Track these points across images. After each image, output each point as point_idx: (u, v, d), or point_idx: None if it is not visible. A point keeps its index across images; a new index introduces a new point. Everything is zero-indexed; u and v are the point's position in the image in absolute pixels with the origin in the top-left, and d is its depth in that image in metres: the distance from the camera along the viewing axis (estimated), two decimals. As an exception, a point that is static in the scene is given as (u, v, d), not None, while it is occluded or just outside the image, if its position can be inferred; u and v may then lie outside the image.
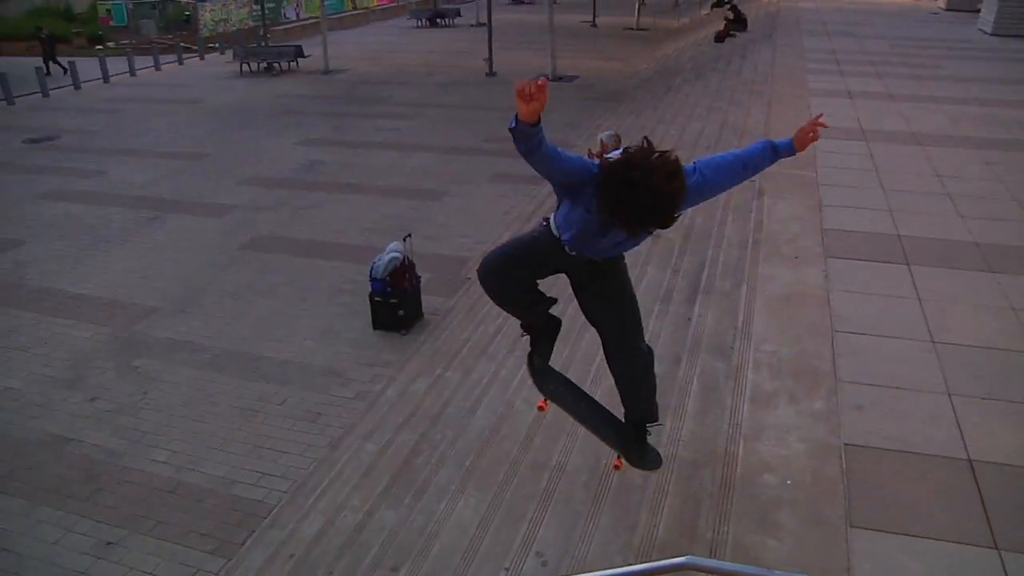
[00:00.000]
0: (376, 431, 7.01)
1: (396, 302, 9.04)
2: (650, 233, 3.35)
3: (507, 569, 4.72)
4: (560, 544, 4.83)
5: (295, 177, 14.89)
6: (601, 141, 10.51)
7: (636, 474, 5.17)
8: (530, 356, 4.18)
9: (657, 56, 25.28)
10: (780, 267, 7.40)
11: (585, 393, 4.42)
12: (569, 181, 3.42)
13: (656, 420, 4.26)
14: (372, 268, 9.26)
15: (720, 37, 23.52)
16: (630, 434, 4.30)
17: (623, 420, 4.32)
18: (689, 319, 7.08)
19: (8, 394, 8.51)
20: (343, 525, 5.76)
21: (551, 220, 3.69)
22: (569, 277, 3.87)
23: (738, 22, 24.19)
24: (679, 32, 30.31)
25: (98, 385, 8.60)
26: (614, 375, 4.06)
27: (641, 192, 3.07)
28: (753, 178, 8.60)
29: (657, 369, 5.98)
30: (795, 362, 5.95)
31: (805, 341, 6.16)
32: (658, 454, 4.43)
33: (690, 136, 13.17)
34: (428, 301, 9.55)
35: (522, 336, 4.17)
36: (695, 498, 4.89)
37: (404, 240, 9.58)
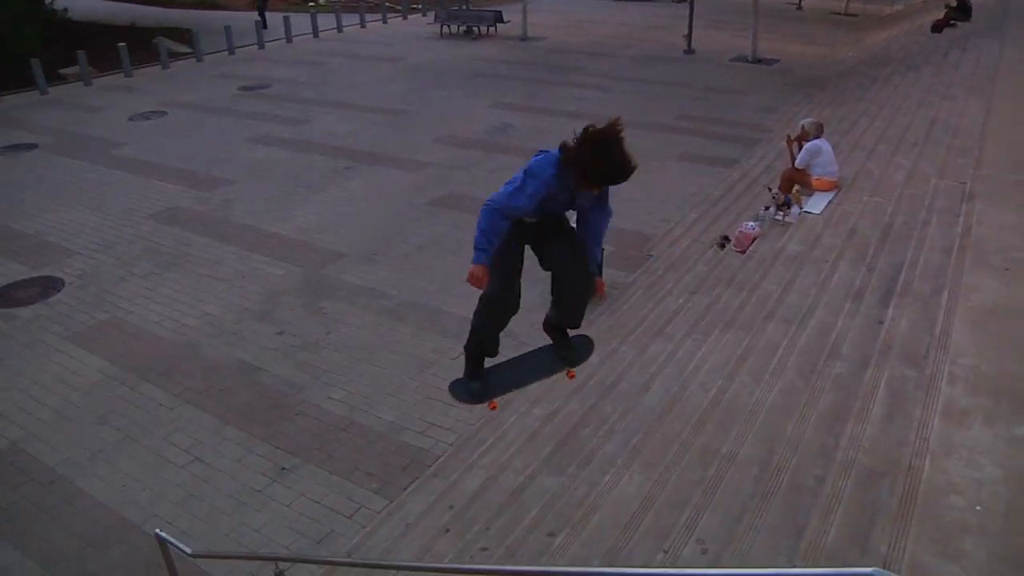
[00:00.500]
0: (545, 397, 6.97)
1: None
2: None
3: (666, 551, 4.61)
4: (723, 535, 4.67)
5: (487, 139, 14.99)
6: (802, 127, 10.09)
7: (809, 475, 4.92)
8: (465, 387, 4.61)
9: (865, 44, 23.85)
10: (987, 277, 6.83)
11: (516, 358, 4.72)
12: (536, 205, 4.01)
13: (578, 327, 4.51)
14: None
15: (938, 26, 21.85)
16: (561, 342, 4.59)
17: (551, 331, 4.62)
18: (881, 321, 6.65)
19: (208, 319, 9.05)
20: (504, 484, 5.78)
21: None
22: (528, 241, 4.29)
23: (961, 10, 22.36)
24: (891, 20, 28.46)
25: (287, 321, 8.97)
26: (561, 292, 4.35)
27: (615, 158, 3.79)
28: (965, 181, 7.92)
29: (841, 370, 5.72)
30: (997, 381, 5.49)
31: (1010, 360, 5.66)
32: (587, 339, 4.70)
33: (896, 130, 12.37)
34: (609, 275, 9.37)
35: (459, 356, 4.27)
36: (872, 508, 4.61)
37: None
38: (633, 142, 4.01)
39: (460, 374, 4.99)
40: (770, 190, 9.80)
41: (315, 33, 26.72)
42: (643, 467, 5.44)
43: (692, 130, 15.05)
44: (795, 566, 4.21)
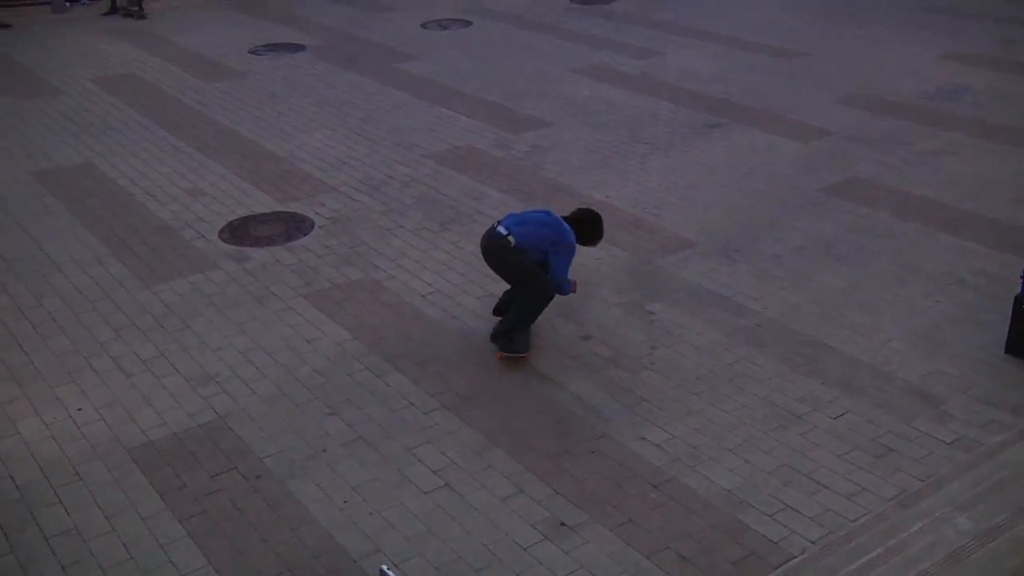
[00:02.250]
0: (979, 504, 6.58)
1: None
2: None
3: None
4: None
5: (925, 104, 14.37)
6: None
7: None
8: (523, 341, 8.46)
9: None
10: None
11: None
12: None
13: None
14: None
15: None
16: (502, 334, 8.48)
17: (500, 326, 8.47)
18: None
19: (490, 303, 9.30)
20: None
21: (510, 235, 8.27)
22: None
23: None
24: None
25: (597, 322, 9.00)
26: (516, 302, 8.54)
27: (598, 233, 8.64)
28: None
29: None
30: None
31: None
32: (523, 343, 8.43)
33: None
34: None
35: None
36: None
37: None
38: None
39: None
40: None
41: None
42: None
43: None
44: None
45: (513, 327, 8.31)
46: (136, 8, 19.93)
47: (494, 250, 8.21)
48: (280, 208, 11.03)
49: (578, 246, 8.50)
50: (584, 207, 8.89)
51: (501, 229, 8.20)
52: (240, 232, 10.61)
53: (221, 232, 10.59)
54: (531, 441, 7.41)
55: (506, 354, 8.36)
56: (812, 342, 8.69)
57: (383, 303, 9.27)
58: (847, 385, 8.08)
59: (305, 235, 10.52)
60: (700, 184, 11.82)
